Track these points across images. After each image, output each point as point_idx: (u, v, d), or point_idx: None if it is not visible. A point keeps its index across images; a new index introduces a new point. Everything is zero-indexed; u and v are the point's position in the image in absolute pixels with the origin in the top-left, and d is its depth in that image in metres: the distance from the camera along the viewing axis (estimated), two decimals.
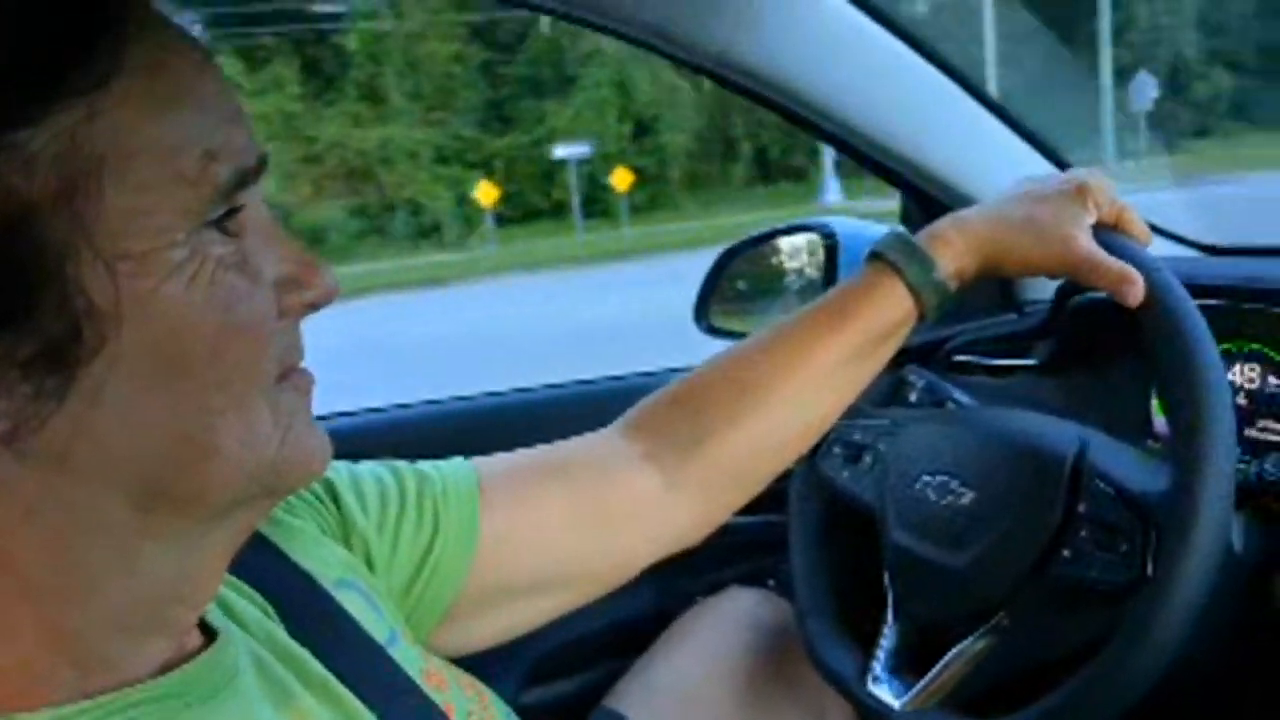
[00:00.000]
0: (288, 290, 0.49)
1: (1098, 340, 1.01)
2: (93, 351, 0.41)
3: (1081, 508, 0.78)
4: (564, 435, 0.84)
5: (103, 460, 0.43)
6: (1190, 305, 0.76)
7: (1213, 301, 0.89)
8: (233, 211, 0.46)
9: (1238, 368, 0.93)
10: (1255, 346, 0.92)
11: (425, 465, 0.75)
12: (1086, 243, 0.79)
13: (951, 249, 0.82)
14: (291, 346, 0.50)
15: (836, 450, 1.02)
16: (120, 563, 0.46)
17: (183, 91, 0.44)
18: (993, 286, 1.19)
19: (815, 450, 1.02)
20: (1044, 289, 1.13)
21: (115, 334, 0.42)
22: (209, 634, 0.53)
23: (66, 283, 0.40)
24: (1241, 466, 0.83)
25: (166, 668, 0.49)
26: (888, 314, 0.81)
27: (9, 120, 0.39)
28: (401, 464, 0.74)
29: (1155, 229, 1.21)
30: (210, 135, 0.44)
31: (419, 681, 0.62)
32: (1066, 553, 0.78)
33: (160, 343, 0.43)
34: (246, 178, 0.46)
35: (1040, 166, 1.18)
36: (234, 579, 0.58)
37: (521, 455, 0.79)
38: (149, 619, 0.48)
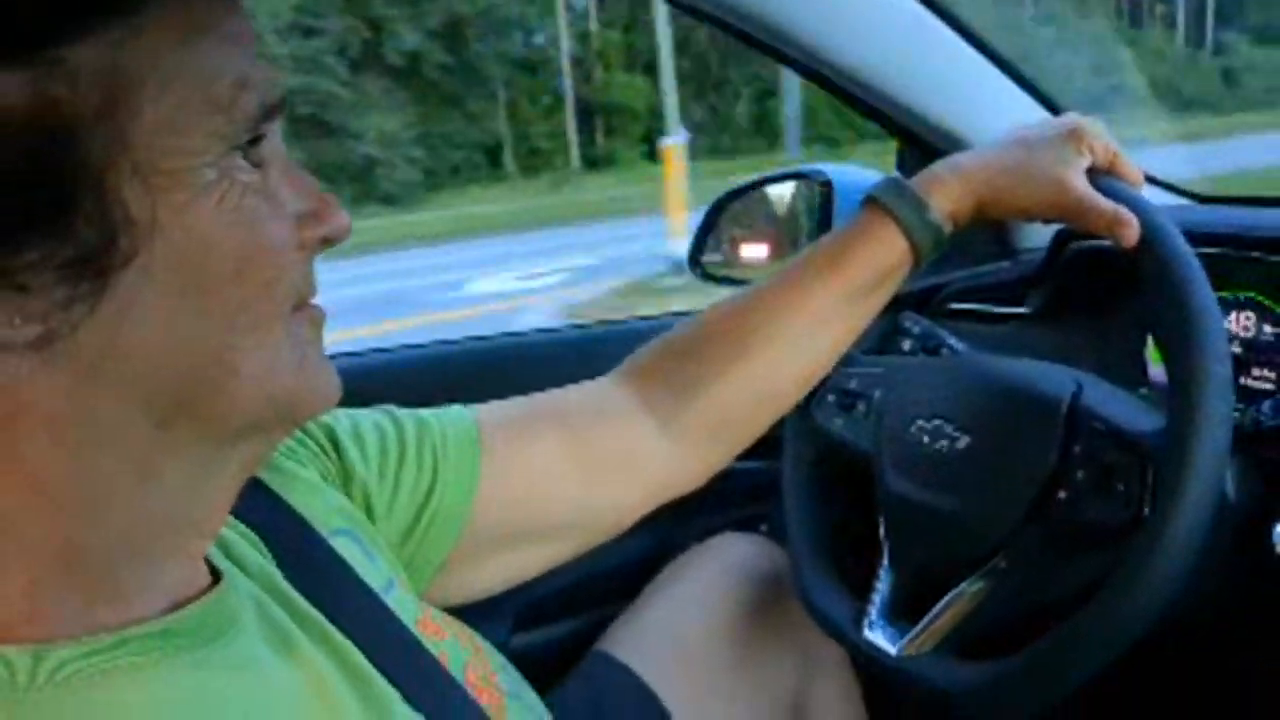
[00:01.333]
0: (305, 224, 0.51)
1: (1092, 288, 1.01)
2: (125, 261, 0.43)
3: (1077, 449, 0.79)
4: (559, 380, 0.84)
5: (128, 372, 0.44)
6: (1185, 246, 0.76)
7: (1207, 250, 0.89)
8: (256, 140, 0.47)
9: (1232, 316, 0.93)
10: (1250, 295, 0.92)
11: (425, 413, 0.75)
12: (1081, 185, 0.79)
13: (945, 191, 0.82)
14: (307, 279, 0.51)
15: (831, 399, 1.02)
16: (137, 479, 0.47)
17: (214, 22, 0.46)
18: (988, 234, 1.19)
19: (809, 399, 1.02)
20: (1039, 237, 1.13)
21: (148, 245, 0.43)
22: (214, 576, 0.54)
23: (105, 193, 0.42)
24: (1235, 414, 0.83)
25: (173, 608, 0.49)
26: (882, 257, 0.81)
27: (55, 35, 0.41)
28: (401, 411, 0.75)
29: (1148, 178, 1.21)
30: (239, 66, 0.46)
31: (414, 630, 0.63)
32: (1063, 494, 0.79)
33: (189, 257, 0.44)
34: (270, 110, 0.48)
35: (1035, 113, 1.17)
36: (234, 521, 0.58)
37: (519, 403, 0.79)
38: (161, 541, 0.49)
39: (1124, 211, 0.77)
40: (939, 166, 0.83)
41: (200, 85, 0.44)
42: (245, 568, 0.57)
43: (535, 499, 0.76)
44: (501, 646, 0.76)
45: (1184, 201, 1.23)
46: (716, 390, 0.80)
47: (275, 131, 0.50)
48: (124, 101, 0.42)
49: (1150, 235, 0.76)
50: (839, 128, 18.09)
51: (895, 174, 0.87)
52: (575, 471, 0.77)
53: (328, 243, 0.52)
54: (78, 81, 0.41)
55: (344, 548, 0.63)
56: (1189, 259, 0.75)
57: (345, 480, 0.69)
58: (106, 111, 0.42)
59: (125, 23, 0.42)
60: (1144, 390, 0.97)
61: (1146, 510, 0.73)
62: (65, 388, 0.43)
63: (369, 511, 0.69)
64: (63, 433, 0.44)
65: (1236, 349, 0.92)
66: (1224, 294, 0.92)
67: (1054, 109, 1.19)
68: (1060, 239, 1.03)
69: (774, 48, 1.08)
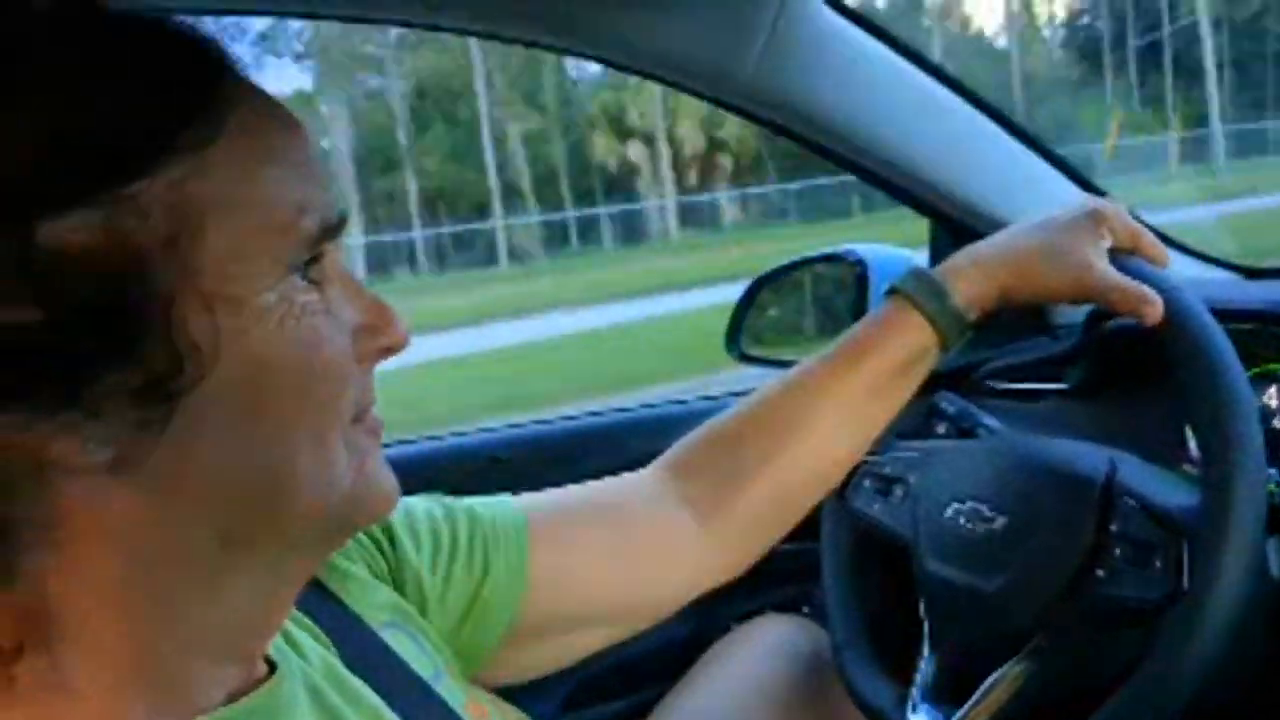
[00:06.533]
0: (364, 337, 0.52)
1: (1129, 365, 1.01)
2: (191, 385, 0.44)
3: (1113, 527, 0.79)
4: (601, 465, 0.85)
5: (195, 491, 0.46)
6: (1210, 322, 0.77)
7: (1243, 325, 0.89)
8: (315, 260, 0.49)
9: (1272, 390, 0.92)
10: None
11: (475, 503, 0.76)
12: (1103, 267, 0.80)
13: (966, 278, 0.83)
14: (366, 390, 0.53)
15: (867, 484, 1.03)
16: (205, 590, 0.48)
17: (275, 151, 0.48)
18: (1025, 311, 1.19)
19: (846, 484, 1.03)
20: (1077, 312, 1.13)
21: (212, 370, 0.44)
22: (270, 665, 0.55)
23: (172, 321, 0.43)
24: (1275, 489, 0.82)
25: (232, 697, 0.51)
26: (907, 345, 0.83)
27: (127, 172, 0.43)
28: (453, 502, 0.76)
29: (1192, 252, 1.21)
30: (299, 190, 0.48)
31: (463, 715, 0.64)
32: (1101, 572, 0.78)
33: (251, 380, 0.46)
34: (330, 231, 0.50)
35: (1069, 192, 1.18)
36: (293, 611, 0.60)
37: (565, 495, 0.81)
38: (226, 646, 0.51)
39: (1147, 291, 0.77)
40: (959, 256, 0.85)
41: (262, 213, 0.46)
42: (303, 655, 0.58)
43: (580, 589, 0.77)
44: None
45: (1228, 275, 1.22)
46: (754, 482, 0.82)
47: (336, 248, 0.51)
48: (190, 233, 0.44)
49: (1174, 314, 0.77)
50: None
51: (917, 264, 0.89)
52: (618, 563, 0.79)
53: (387, 353, 0.54)
54: (147, 216, 0.43)
55: (394, 640, 0.65)
56: (1213, 333, 0.75)
57: (398, 572, 0.70)
58: (173, 243, 0.44)
59: (191, 159, 0.44)
60: (1186, 467, 0.96)
61: (1184, 585, 0.73)
62: (137, 507, 0.45)
63: (421, 601, 0.70)
64: (135, 549, 0.45)
65: (1278, 424, 0.91)
66: (1265, 369, 0.92)
67: (1088, 188, 1.20)
68: (1094, 317, 1.04)
69: (809, 138, 1.11)
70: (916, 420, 1.04)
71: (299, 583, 0.54)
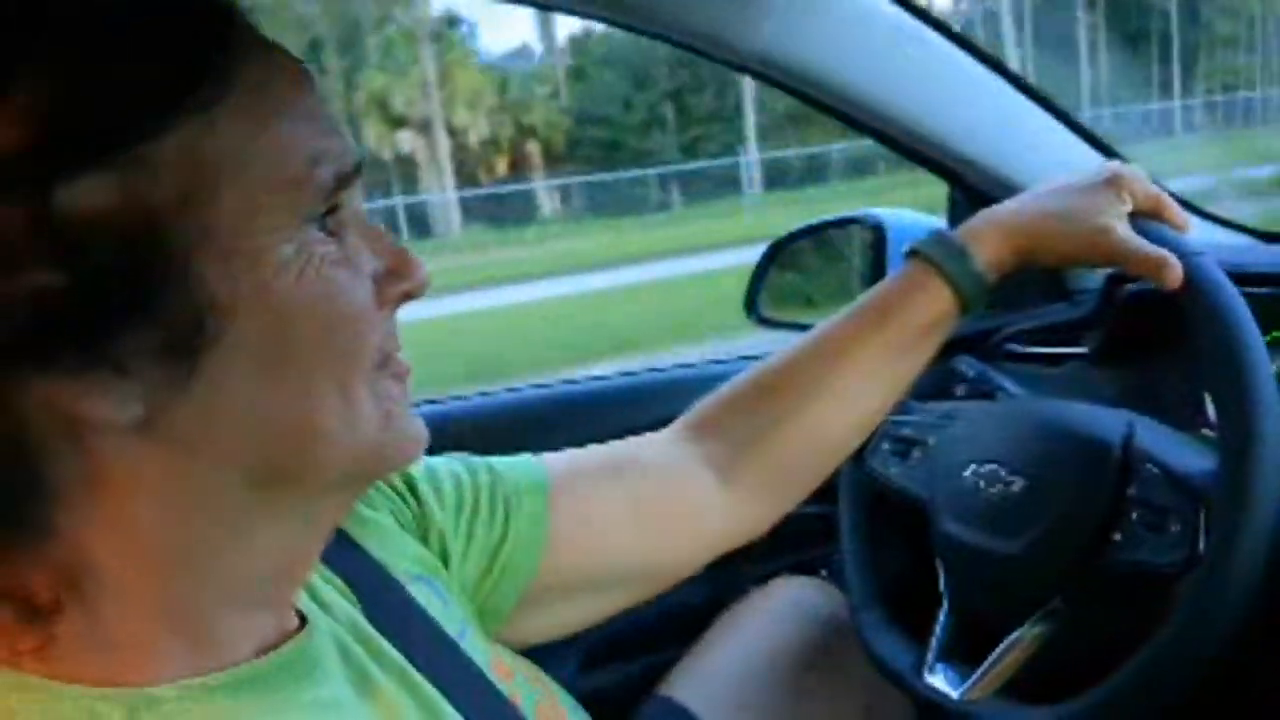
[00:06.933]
0: (385, 282, 0.53)
1: (1147, 329, 1.01)
2: (214, 340, 0.45)
3: (1131, 491, 0.79)
4: (621, 426, 0.86)
5: (221, 442, 0.47)
6: (1228, 287, 0.76)
7: (1261, 290, 0.89)
8: (332, 210, 0.50)
9: None
10: None
11: (497, 462, 0.77)
12: (1122, 231, 0.80)
13: (986, 241, 0.83)
14: (389, 336, 0.53)
15: (885, 446, 1.03)
16: (236, 538, 0.49)
17: (286, 105, 0.48)
18: (1044, 276, 1.19)
19: (864, 446, 1.03)
20: (1095, 277, 1.13)
21: (233, 324, 0.45)
22: (300, 619, 0.56)
23: (190, 278, 0.44)
24: None
25: (263, 650, 0.52)
26: (928, 308, 0.83)
27: (138, 134, 0.43)
28: (475, 460, 0.77)
29: (1212, 217, 1.21)
30: (312, 142, 0.48)
31: (488, 672, 0.65)
32: (1118, 536, 0.79)
33: (272, 332, 0.46)
34: (345, 180, 0.50)
35: (1090, 158, 1.17)
36: (320, 565, 0.61)
37: (586, 455, 0.81)
38: (257, 594, 0.52)
39: (1166, 255, 0.77)
40: (977, 218, 0.85)
41: (275, 166, 0.47)
42: (330, 611, 0.59)
43: (600, 550, 0.77)
44: (566, 688, 0.77)
45: (1248, 240, 1.22)
46: (773, 444, 0.82)
47: (353, 195, 0.52)
48: (204, 190, 0.44)
49: (1193, 278, 0.77)
50: None
51: (939, 225, 0.88)
52: (638, 524, 0.79)
53: (408, 297, 0.54)
54: (160, 176, 0.43)
55: (420, 593, 0.65)
56: (1232, 297, 0.75)
57: (422, 526, 0.71)
58: (188, 201, 0.44)
59: (203, 117, 0.45)
60: (1204, 431, 0.96)
61: (1201, 550, 0.73)
62: (165, 461, 0.46)
63: (444, 558, 0.71)
64: (164, 501, 0.46)
65: None
66: None
67: (1109, 153, 1.19)
68: (1112, 281, 1.03)
69: (827, 102, 1.10)
70: (935, 383, 1.04)
71: (329, 528, 0.55)
